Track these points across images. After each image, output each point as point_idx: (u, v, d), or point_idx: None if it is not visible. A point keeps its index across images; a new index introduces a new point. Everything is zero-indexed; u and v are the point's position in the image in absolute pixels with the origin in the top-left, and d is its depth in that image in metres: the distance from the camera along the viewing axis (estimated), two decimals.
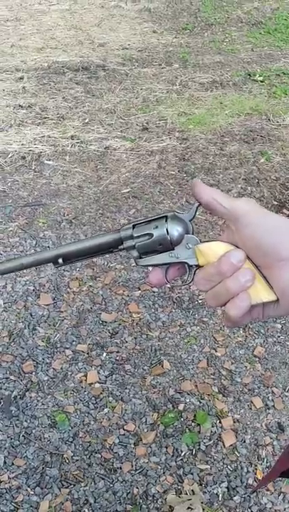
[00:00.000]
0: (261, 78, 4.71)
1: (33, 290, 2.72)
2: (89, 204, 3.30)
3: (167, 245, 0.75)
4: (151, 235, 0.76)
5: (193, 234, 0.76)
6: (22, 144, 3.83)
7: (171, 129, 4.11)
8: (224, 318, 0.73)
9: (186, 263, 0.76)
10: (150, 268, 0.78)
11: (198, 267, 0.75)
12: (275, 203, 3.30)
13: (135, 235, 0.77)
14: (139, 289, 2.71)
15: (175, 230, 0.75)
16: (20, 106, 4.32)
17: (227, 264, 0.69)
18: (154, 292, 2.70)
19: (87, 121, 4.17)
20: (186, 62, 5.04)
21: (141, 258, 0.77)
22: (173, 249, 0.75)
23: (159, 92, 4.58)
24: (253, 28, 5.79)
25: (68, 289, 2.71)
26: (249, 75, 4.80)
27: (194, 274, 0.76)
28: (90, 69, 4.92)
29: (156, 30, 5.71)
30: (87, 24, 5.81)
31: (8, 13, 6.07)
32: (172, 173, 3.64)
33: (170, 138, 4.03)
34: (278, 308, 0.70)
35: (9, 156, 3.71)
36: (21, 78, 4.75)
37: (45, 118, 4.19)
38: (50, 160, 3.72)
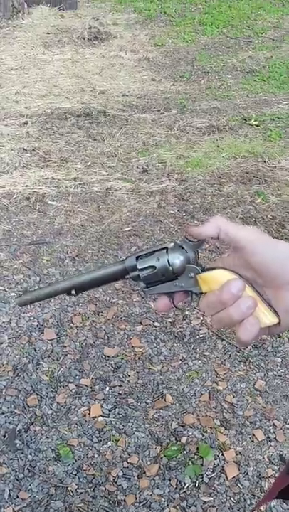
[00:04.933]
0: (256, 123, 4.90)
1: (37, 325, 2.77)
2: (91, 242, 3.39)
3: (170, 276, 0.80)
4: (154, 267, 0.81)
5: (196, 261, 0.80)
6: (26, 186, 3.96)
7: (170, 171, 4.25)
8: (236, 340, 0.78)
9: (190, 291, 0.81)
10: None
11: (202, 293, 0.79)
12: None
13: (139, 267, 0.82)
14: (141, 324, 2.77)
15: (176, 260, 0.79)
16: (24, 149, 4.48)
17: (228, 294, 0.74)
18: (155, 327, 2.76)
19: (89, 164, 4.32)
20: (183, 108, 5.24)
21: (147, 288, 0.83)
22: (176, 278, 0.80)
23: (158, 137, 4.76)
24: (248, 75, 6.05)
25: (72, 324, 2.76)
26: (245, 119, 4.99)
27: (199, 299, 0.80)
28: (91, 115, 5.11)
29: (155, 78, 5.96)
30: (88, 72, 6.07)
31: (13, 63, 6.34)
32: (172, 212, 3.75)
33: (169, 179, 4.17)
34: (282, 326, 0.76)
35: (14, 196, 3.83)
36: (25, 123, 4.94)
37: (49, 161, 4.34)
38: (53, 200, 3.83)
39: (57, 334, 2.71)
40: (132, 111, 5.21)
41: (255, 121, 4.93)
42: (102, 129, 4.87)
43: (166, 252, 0.80)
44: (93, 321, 2.78)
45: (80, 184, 4.04)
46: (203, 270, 0.79)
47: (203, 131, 4.84)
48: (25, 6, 7.66)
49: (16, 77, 5.94)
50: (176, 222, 3.64)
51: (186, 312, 2.84)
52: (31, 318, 2.81)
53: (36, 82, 5.86)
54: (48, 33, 7.15)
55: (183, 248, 0.80)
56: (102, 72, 6.10)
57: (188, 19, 7.76)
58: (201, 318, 2.81)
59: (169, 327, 2.76)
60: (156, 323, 2.77)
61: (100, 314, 2.81)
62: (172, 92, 5.59)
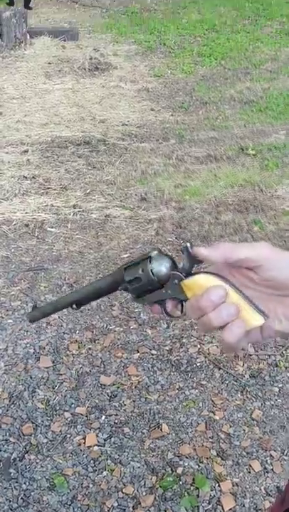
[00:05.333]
0: (254, 152, 4.97)
1: (33, 352, 2.76)
2: (89, 269, 3.41)
3: (156, 285, 0.80)
4: (139, 279, 0.81)
5: (184, 266, 0.79)
6: (26, 213, 4.00)
7: (168, 200, 4.30)
8: (222, 345, 0.77)
9: (177, 298, 0.80)
10: None
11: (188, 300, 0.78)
12: None
13: (126, 279, 0.83)
14: (138, 352, 2.76)
15: (160, 268, 0.79)
16: (24, 177, 4.53)
17: (208, 302, 0.74)
18: (152, 355, 2.76)
19: (88, 191, 4.37)
20: (182, 137, 5.33)
21: (138, 298, 0.83)
22: (163, 286, 0.80)
23: (156, 165, 4.82)
24: (245, 106, 6.16)
25: (68, 352, 2.76)
26: (242, 149, 5.07)
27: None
28: (91, 143, 5.19)
29: (154, 108, 6.07)
30: (88, 102, 6.18)
31: (15, 92, 6.46)
32: (169, 239, 3.78)
33: (167, 207, 4.21)
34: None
35: (13, 223, 3.86)
36: (26, 151, 5.01)
37: (49, 188, 4.39)
38: (52, 227, 3.87)
39: (53, 362, 2.70)
40: (131, 140, 5.29)
41: (252, 150, 5.00)
42: (101, 158, 4.93)
43: (150, 261, 0.80)
44: (90, 348, 2.77)
45: (79, 211, 4.08)
46: (188, 275, 0.78)
47: (201, 160, 4.91)
48: (28, 36, 7.85)
49: (17, 105, 6.05)
50: (174, 250, 3.66)
51: (183, 340, 2.84)
52: (28, 345, 2.81)
53: (37, 110, 5.96)
54: (49, 63, 7.30)
55: (166, 255, 0.80)
56: (102, 101, 6.22)
57: (188, 51, 7.94)
58: (198, 346, 2.81)
59: (166, 355, 2.76)
60: (154, 351, 2.77)
61: (97, 341, 2.81)
62: (171, 122, 5.69)
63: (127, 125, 5.62)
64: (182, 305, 0.82)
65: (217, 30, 8.83)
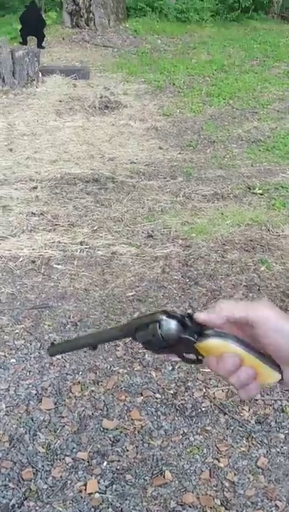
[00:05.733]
0: (261, 191, 5.00)
1: (36, 394, 2.73)
2: (94, 307, 3.40)
3: (169, 346, 0.82)
4: (151, 341, 0.82)
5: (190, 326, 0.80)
6: (33, 249, 4.02)
7: (174, 237, 4.31)
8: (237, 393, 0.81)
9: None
10: None
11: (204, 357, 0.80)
12: None
13: (138, 340, 0.84)
14: (142, 395, 2.72)
15: (170, 334, 0.80)
16: (32, 213, 4.57)
17: (224, 370, 0.77)
18: (156, 398, 2.71)
19: (95, 228, 4.39)
20: (189, 175, 5.38)
21: (155, 351, 0.85)
22: (176, 345, 0.81)
23: (163, 203, 4.85)
24: (253, 145, 6.23)
25: (70, 394, 2.72)
26: (249, 188, 5.10)
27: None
28: (100, 180, 5.25)
29: (162, 147, 6.15)
30: (98, 140, 6.28)
31: (26, 129, 6.58)
32: (176, 277, 3.77)
33: (174, 245, 4.21)
34: None
35: (20, 260, 3.88)
36: (35, 187, 5.06)
37: (56, 225, 4.41)
38: (59, 264, 3.87)
39: (55, 404, 2.66)
40: (140, 178, 5.34)
41: (259, 190, 5.03)
42: (109, 195, 4.98)
43: (159, 326, 0.81)
44: (92, 390, 2.73)
45: (85, 248, 4.09)
46: (200, 335, 0.79)
47: (208, 198, 4.94)
48: (40, 75, 8.04)
49: (27, 142, 6.15)
50: (180, 288, 3.65)
51: (189, 383, 2.80)
52: (30, 385, 2.77)
53: (47, 147, 6.05)
54: (60, 101, 7.45)
55: (175, 316, 0.81)
56: (111, 139, 6.31)
57: (196, 90, 8.09)
58: (204, 390, 2.76)
59: (170, 399, 2.71)
60: (158, 395, 2.72)
61: (100, 384, 2.77)
62: (179, 160, 5.75)
63: (135, 163, 5.69)
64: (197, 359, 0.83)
65: (226, 71, 9.01)
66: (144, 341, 0.84)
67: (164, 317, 0.81)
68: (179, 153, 5.95)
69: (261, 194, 4.96)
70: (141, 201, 4.86)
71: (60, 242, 4.14)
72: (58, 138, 6.30)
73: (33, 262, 3.86)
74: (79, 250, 4.04)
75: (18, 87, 7.71)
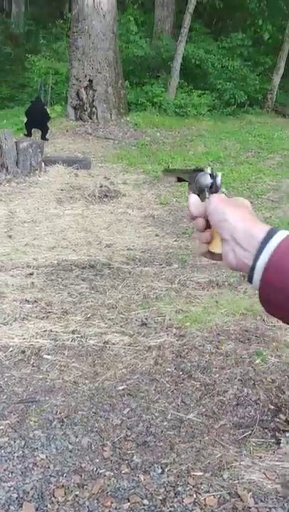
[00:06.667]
0: None
1: (16, 497, 2.56)
2: (83, 402, 3.27)
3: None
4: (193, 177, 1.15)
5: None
6: (24, 338, 3.95)
7: (168, 325, 4.25)
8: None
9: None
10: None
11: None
12: (272, 406, 3.26)
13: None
14: (129, 501, 2.54)
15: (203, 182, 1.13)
16: (26, 300, 4.54)
17: (198, 225, 1.12)
18: (144, 505, 2.53)
19: (89, 316, 4.35)
20: (184, 262, 5.41)
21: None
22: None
23: (158, 290, 4.84)
24: None
25: (53, 498, 2.55)
26: (243, 276, 5.07)
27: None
28: (96, 267, 5.28)
29: (159, 234, 6.25)
30: (96, 227, 6.40)
31: (26, 216, 6.72)
32: (168, 370, 3.67)
33: (167, 334, 4.15)
34: None
35: (9, 350, 3.80)
36: (31, 274, 5.08)
37: (49, 312, 4.37)
38: (49, 354, 3.79)
39: (36, 509, 2.48)
40: (135, 264, 5.38)
41: None
42: (105, 281, 4.98)
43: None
44: (76, 495, 2.56)
45: (77, 337, 4.02)
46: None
47: (203, 286, 4.94)
48: (43, 164, 8.34)
49: (27, 229, 6.26)
50: (173, 382, 3.54)
51: (179, 488, 2.63)
52: (11, 488, 2.61)
53: (46, 234, 6.15)
54: (61, 190, 7.68)
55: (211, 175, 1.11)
56: (109, 227, 6.43)
57: None
58: (194, 496, 2.58)
59: (158, 505, 2.53)
60: (145, 501, 2.54)
61: (85, 487, 2.60)
62: (174, 248, 5.82)
63: (131, 249, 5.75)
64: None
65: (222, 162, 9.36)
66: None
67: (206, 171, 1.14)
68: (175, 241, 6.03)
69: None
70: (136, 287, 4.85)
71: (51, 331, 4.07)
72: (57, 225, 6.42)
73: (23, 352, 3.78)
74: (70, 339, 3.97)
75: (20, 175, 7.98)
